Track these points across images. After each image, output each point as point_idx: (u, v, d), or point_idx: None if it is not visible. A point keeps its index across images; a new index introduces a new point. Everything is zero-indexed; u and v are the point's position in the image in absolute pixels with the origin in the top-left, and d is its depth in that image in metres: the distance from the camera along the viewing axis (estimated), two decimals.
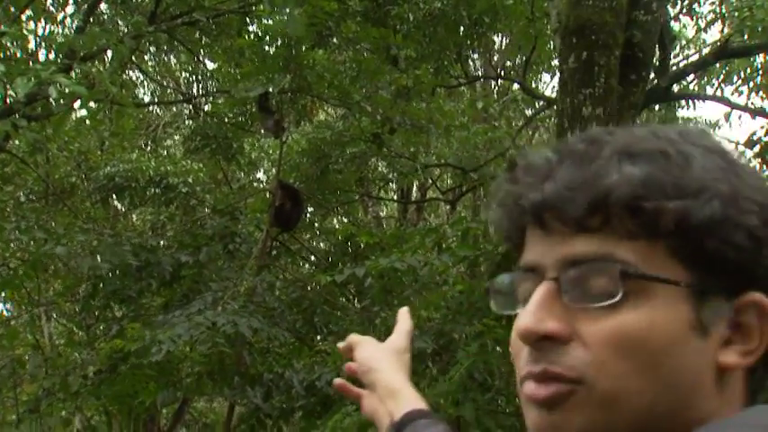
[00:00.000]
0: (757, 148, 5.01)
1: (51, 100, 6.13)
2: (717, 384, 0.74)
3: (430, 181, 12.92)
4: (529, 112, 12.15)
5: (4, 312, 11.42)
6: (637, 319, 0.71)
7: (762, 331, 0.74)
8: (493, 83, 13.22)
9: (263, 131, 9.96)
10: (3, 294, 10.10)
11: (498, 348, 5.03)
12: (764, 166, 5.76)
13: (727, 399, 0.75)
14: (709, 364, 0.73)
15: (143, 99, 12.15)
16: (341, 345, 1.39)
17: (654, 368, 0.71)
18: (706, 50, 10.76)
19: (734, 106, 4.86)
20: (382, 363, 1.28)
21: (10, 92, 5.82)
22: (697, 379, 0.73)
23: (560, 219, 0.75)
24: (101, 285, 8.09)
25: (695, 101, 7.87)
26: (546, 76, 13.99)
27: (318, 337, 9.21)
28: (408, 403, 1.20)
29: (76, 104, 6.63)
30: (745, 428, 0.68)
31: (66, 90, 4.89)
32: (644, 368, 0.71)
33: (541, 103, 10.73)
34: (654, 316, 0.71)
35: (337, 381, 1.35)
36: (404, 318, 1.38)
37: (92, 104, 6.64)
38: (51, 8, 10.06)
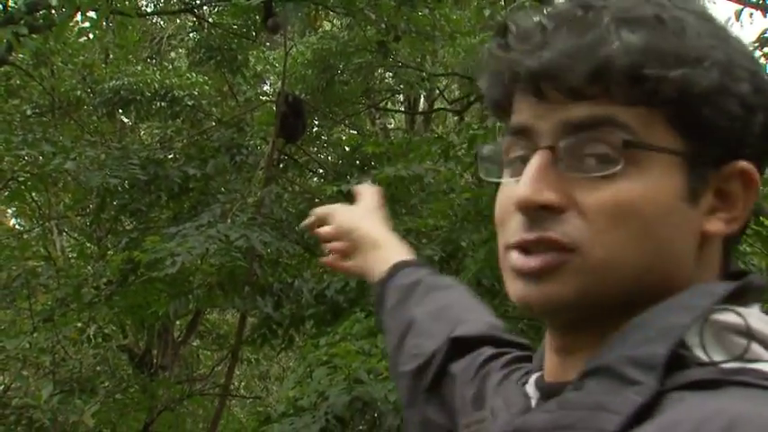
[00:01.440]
0: None
1: (53, 11, 6.06)
2: (698, 252, 0.75)
3: (437, 91, 12.79)
4: None
5: (16, 226, 11.52)
6: (633, 188, 0.71)
7: (745, 200, 0.75)
8: None
9: (266, 35, 9.85)
10: (14, 209, 10.19)
11: None
12: None
13: (705, 265, 0.76)
14: (694, 233, 0.74)
15: (145, 9, 11.96)
16: (308, 220, 1.38)
17: (646, 237, 0.72)
18: None
19: (746, 3, 4.73)
20: (362, 221, 1.29)
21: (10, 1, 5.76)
22: (684, 247, 0.74)
23: (558, 87, 0.73)
24: (109, 199, 8.14)
25: None
26: None
27: None
28: (393, 253, 1.22)
29: (78, 16, 6.55)
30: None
31: None
32: (637, 237, 0.72)
33: None
34: (648, 185, 0.71)
35: (324, 260, 1.35)
36: (366, 190, 1.40)
37: (93, 15, 6.55)
38: None
